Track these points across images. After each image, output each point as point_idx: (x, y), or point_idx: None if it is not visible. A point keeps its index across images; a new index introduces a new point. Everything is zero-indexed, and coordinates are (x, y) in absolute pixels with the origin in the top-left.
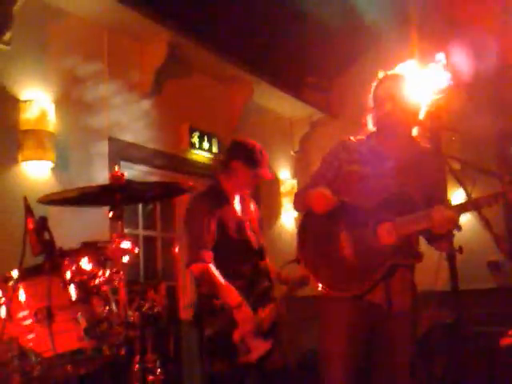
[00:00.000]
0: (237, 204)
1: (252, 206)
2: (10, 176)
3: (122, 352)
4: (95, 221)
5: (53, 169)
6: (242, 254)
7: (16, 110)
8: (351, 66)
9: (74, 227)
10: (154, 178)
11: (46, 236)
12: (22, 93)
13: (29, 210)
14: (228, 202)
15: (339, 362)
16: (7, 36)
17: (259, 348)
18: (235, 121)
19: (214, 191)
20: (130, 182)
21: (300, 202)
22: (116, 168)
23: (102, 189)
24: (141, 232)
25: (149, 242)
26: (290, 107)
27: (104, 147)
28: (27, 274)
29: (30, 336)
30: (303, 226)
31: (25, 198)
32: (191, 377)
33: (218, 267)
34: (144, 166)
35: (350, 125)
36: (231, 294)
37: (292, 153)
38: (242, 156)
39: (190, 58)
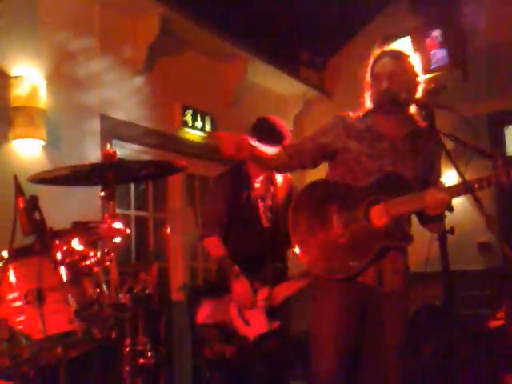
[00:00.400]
0: (258, 183)
1: (281, 186)
2: (0, 154)
3: (113, 335)
4: (86, 200)
5: (44, 147)
6: (251, 234)
7: (7, 86)
8: (346, 44)
9: (64, 207)
10: (146, 157)
11: (37, 216)
12: (13, 69)
13: (19, 189)
14: (247, 181)
15: (331, 342)
16: None
17: (260, 326)
18: (229, 99)
19: (235, 170)
20: (121, 161)
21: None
22: (108, 146)
23: (94, 167)
24: (132, 212)
25: (140, 223)
26: (284, 85)
27: (96, 125)
28: (17, 255)
29: (20, 318)
30: (296, 207)
31: (15, 177)
32: (182, 359)
33: (230, 244)
34: (136, 144)
35: (345, 103)
36: (231, 266)
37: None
38: (260, 134)
39: (183, 34)
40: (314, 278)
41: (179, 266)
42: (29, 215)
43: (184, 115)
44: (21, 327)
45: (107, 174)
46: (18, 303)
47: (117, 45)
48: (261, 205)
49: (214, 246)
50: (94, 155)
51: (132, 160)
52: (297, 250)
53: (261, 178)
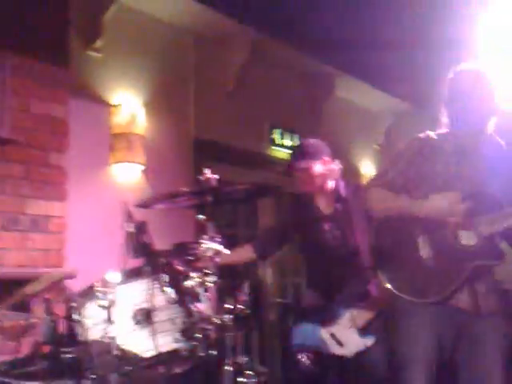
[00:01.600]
0: (321, 204)
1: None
2: (102, 178)
3: (214, 353)
4: (180, 222)
5: (143, 171)
6: (320, 255)
7: (107, 114)
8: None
9: (160, 229)
10: (236, 177)
11: (145, 239)
12: (113, 97)
13: (128, 214)
14: (310, 201)
15: (422, 367)
16: (98, 44)
17: (355, 344)
18: (317, 116)
19: (301, 194)
20: (220, 185)
21: (386, 208)
22: (205, 170)
23: (194, 193)
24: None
25: (230, 240)
26: (373, 99)
27: (190, 148)
28: (128, 277)
29: (130, 337)
30: (376, 232)
31: (124, 203)
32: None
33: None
34: (227, 164)
35: (437, 116)
36: None
37: (375, 146)
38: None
39: (271, 55)
40: (400, 301)
41: (269, 281)
42: (138, 239)
43: (273, 134)
44: (130, 346)
45: (206, 198)
46: (128, 322)
47: (209, 70)
48: (325, 225)
49: None
50: (189, 177)
51: (230, 183)
52: (381, 276)
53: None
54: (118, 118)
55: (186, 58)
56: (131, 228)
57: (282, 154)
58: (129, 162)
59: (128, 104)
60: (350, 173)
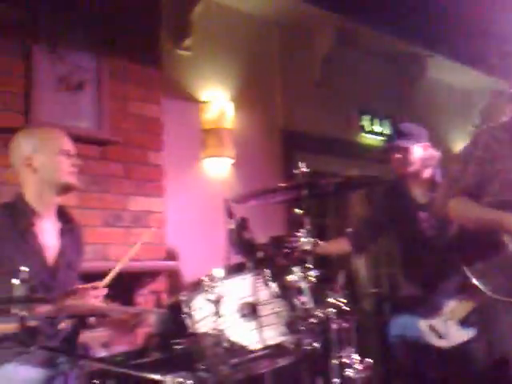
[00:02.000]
0: (418, 192)
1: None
2: (195, 173)
3: (319, 346)
4: (270, 216)
5: (233, 164)
6: (418, 247)
7: (198, 111)
8: None
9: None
10: (326, 167)
11: (247, 235)
12: (203, 94)
13: (229, 211)
14: (405, 191)
15: None
16: (187, 42)
17: (457, 336)
18: (408, 99)
19: (391, 182)
20: (316, 178)
21: (469, 221)
22: (300, 164)
23: (290, 187)
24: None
25: (320, 230)
26: (467, 78)
27: (278, 139)
28: (232, 272)
29: (237, 330)
30: (459, 239)
31: (226, 200)
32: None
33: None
34: (316, 154)
35: None
36: None
37: (471, 127)
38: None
39: (358, 41)
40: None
41: (363, 272)
42: (240, 235)
43: (362, 120)
44: (237, 338)
45: (301, 192)
46: (235, 316)
47: (295, 60)
48: (421, 215)
49: None
50: (278, 169)
51: (325, 175)
52: (468, 272)
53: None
54: (207, 114)
55: (272, 50)
56: (233, 224)
57: (373, 140)
58: (219, 156)
59: (217, 100)
60: (445, 158)
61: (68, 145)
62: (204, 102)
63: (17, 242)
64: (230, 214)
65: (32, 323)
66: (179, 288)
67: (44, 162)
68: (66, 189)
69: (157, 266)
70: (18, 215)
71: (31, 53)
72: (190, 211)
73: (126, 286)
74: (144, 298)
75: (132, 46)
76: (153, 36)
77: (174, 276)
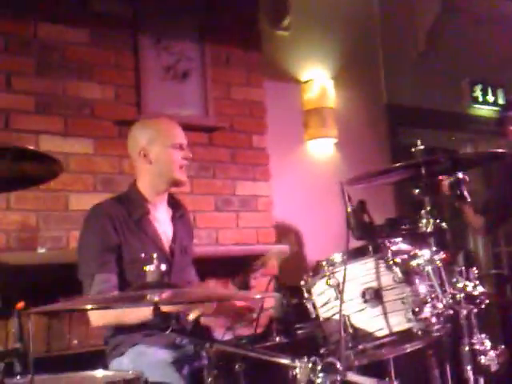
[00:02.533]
0: None
1: None
2: (298, 156)
3: (447, 333)
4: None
5: (336, 144)
6: None
7: (298, 91)
8: None
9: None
10: (436, 142)
11: (366, 218)
12: (303, 74)
13: (346, 194)
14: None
15: None
16: (285, 22)
17: None
18: None
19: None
20: (434, 155)
21: None
22: (418, 143)
23: (408, 166)
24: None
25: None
26: None
27: (382, 115)
28: (352, 256)
29: (360, 316)
30: None
31: (341, 183)
32: None
33: None
34: (424, 128)
35: None
36: None
37: None
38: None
39: (464, 8)
40: None
41: (481, 253)
42: (358, 218)
43: (473, 91)
44: (361, 324)
45: (420, 170)
46: (357, 301)
47: (397, 33)
48: None
49: None
50: (384, 147)
51: (439, 152)
52: None
53: None
54: (308, 94)
55: (372, 24)
56: (351, 208)
57: (485, 112)
58: (322, 137)
59: (317, 79)
60: None
61: (181, 138)
62: (304, 82)
63: (134, 230)
64: (348, 197)
65: (164, 308)
66: (290, 271)
67: (158, 154)
68: (174, 184)
69: (267, 250)
70: (133, 205)
71: (139, 45)
72: (295, 194)
73: (238, 271)
74: (256, 281)
75: (233, 31)
76: (252, 19)
77: (284, 259)
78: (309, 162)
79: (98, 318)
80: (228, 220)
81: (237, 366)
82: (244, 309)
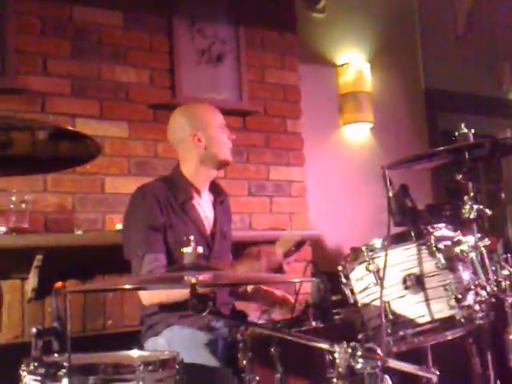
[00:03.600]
0: None
1: None
2: (333, 140)
3: (491, 321)
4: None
5: (372, 129)
6: None
7: (334, 75)
8: None
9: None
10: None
11: (408, 203)
12: (339, 57)
13: (387, 179)
14: None
15: None
16: (321, 4)
17: None
18: None
19: None
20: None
21: None
22: (462, 126)
23: (451, 150)
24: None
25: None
26: None
27: (420, 100)
28: (393, 242)
29: (401, 302)
30: None
31: (382, 167)
32: None
33: None
34: (463, 114)
35: None
36: None
37: None
38: None
39: None
40: None
41: None
42: (401, 203)
43: None
44: (402, 311)
45: (463, 155)
46: (398, 287)
47: (435, 15)
48: None
49: None
50: (421, 131)
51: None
52: None
53: None
54: (344, 78)
55: (410, 6)
56: (393, 192)
57: None
58: (358, 121)
59: (354, 62)
60: None
61: (222, 119)
62: (340, 66)
63: (178, 213)
64: (390, 181)
65: (202, 290)
66: (324, 256)
67: (208, 137)
68: (223, 164)
69: (301, 235)
70: (178, 188)
71: (173, 28)
72: (330, 179)
73: None
74: (291, 267)
75: (268, 13)
76: (287, 1)
77: (318, 245)
78: (344, 147)
79: (148, 296)
80: (261, 205)
81: (272, 350)
82: (283, 300)
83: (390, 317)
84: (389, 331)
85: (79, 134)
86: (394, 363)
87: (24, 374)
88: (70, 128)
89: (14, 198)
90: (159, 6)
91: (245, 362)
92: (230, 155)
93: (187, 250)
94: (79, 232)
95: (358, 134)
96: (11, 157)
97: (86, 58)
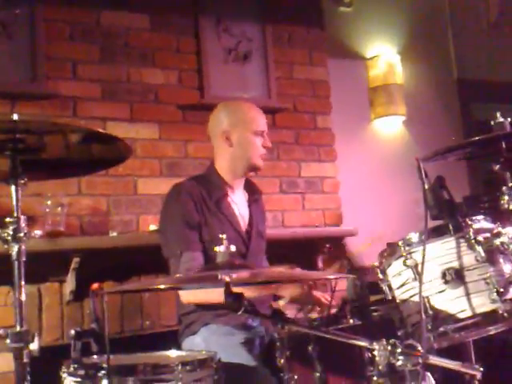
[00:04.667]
0: None
1: None
2: (364, 135)
3: None
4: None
5: (404, 122)
6: None
7: (363, 68)
8: None
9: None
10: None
11: (445, 195)
12: (368, 50)
13: (422, 171)
14: None
15: None
16: None
17: None
18: None
19: None
20: None
21: None
22: (498, 115)
23: (487, 141)
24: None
25: None
26: None
27: (453, 90)
28: (431, 235)
29: (441, 297)
30: None
31: (417, 159)
32: None
33: None
34: (498, 103)
35: None
36: None
37: None
38: None
39: None
40: None
41: None
42: (437, 195)
43: None
44: (442, 306)
45: (500, 145)
46: (437, 282)
47: (467, 3)
48: None
49: None
50: (454, 122)
51: None
52: None
53: None
54: (374, 71)
55: None
56: (429, 185)
57: None
58: (390, 114)
59: (383, 55)
60: None
61: (263, 125)
62: (369, 59)
63: (213, 211)
64: (425, 173)
65: (237, 289)
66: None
67: (239, 138)
68: (252, 169)
69: (334, 232)
70: (212, 186)
71: (199, 28)
72: (363, 174)
73: (307, 253)
74: (326, 264)
75: (294, 9)
76: None
77: (352, 241)
78: (376, 141)
79: (187, 295)
80: (293, 202)
81: (310, 348)
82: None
83: (430, 312)
84: (429, 327)
85: (111, 137)
86: (435, 360)
87: (64, 375)
88: (102, 131)
89: (49, 202)
90: (185, 6)
91: (282, 360)
92: (260, 161)
93: (220, 248)
94: (114, 234)
95: (389, 127)
96: (45, 161)
97: (115, 61)
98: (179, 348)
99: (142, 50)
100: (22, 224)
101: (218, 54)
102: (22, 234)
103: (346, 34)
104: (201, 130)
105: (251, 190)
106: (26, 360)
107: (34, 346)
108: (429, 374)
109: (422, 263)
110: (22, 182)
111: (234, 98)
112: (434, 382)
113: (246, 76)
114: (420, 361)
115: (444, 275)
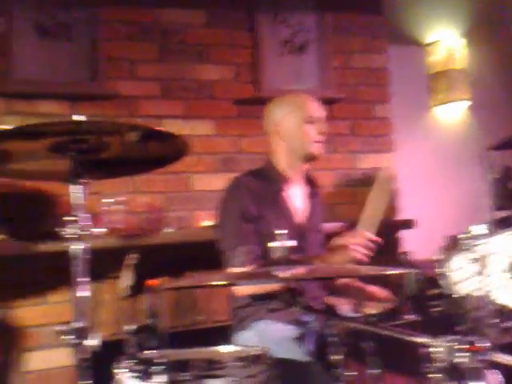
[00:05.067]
0: None
1: None
2: (422, 123)
3: None
4: None
5: (469, 107)
6: None
7: (422, 54)
8: None
9: None
10: None
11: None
12: (427, 35)
13: (489, 160)
14: None
15: None
16: None
17: None
18: None
19: None
20: None
21: None
22: None
23: None
24: None
25: None
26: None
27: None
28: (498, 227)
29: (506, 291)
30: None
31: (482, 149)
32: None
33: None
34: None
35: None
36: None
37: None
38: None
39: None
40: None
41: None
42: (504, 186)
43: None
44: (507, 300)
45: None
46: (503, 276)
47: None
48: None
49: None
50: None
51: None
52: None
53: None
54: (434, 57)
55: None
56: (495, 175)
57: None
58: (451, 101)
59: (445, 39)
60: None
61: (316, 111)
62: (429, 44)
63: (270, 205)
64: (491, 164)
65: (293, 284)
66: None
67: (289, 129)
68: (309, 158)
69: (390, 224)
70: (269, 180)
71: (255, 22)
72: (423, 164)
73: None
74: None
75: None
76: None
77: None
78: (436, 129)
79: (241, 287)
80: (348, 195)
81: (365, 344)
82: (373, 296)
83: (494, 307)
84: (492, 322)
85: (168, 134)
86: (498, 357)
87: (120, 370)
88: (161, 128)
89: (108, 200)
90: (240, 0)
91: (337, 357)
92: (316, 149)
93: (275, 244)
94: (169, 230)
95: (451, 114)
96: (104, 160)
97: (171, 59)
98: (231, 342)
99: (197, 47)
100: (87, 222)
101: (274, 46)
102: (86, 232)
103: (405, 19)
104: (255, 124)
105: (311, 183)
106: (86, 355)
107: (94, 341)
108: (492, 371)
109: (487, 256)
110: (85, 181)
111: (289, 91)
112: (502, 378)
113: (302, 67)
114: (482, 358)
115: (511, 269)
